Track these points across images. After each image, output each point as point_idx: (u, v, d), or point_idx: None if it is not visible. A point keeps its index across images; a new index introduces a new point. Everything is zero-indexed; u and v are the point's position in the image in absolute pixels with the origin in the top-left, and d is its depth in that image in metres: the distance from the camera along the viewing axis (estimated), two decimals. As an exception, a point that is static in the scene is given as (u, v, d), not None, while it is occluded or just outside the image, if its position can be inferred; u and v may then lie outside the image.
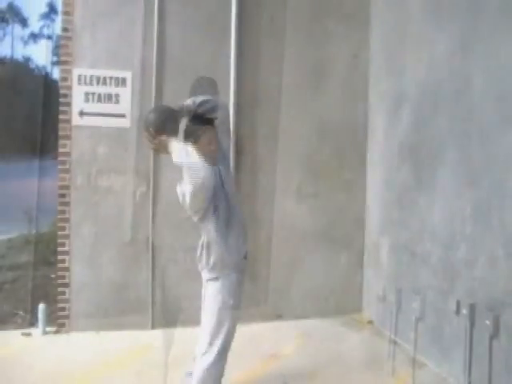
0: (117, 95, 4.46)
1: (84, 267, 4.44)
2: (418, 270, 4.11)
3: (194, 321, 4.31)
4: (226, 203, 2.73)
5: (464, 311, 3.43)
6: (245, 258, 2.85)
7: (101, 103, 4.43)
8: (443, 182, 3.83)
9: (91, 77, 4.41)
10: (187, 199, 2.57)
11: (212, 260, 2.74)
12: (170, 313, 4.55)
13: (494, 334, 3.18)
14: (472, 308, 3.38)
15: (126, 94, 4.49)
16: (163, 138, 2.69)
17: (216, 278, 2.74)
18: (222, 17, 4.70)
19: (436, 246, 3.86)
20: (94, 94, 4.41)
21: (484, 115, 3.42)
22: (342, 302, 5.08)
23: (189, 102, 2.75)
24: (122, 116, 4.48)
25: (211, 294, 2.75)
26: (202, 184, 2.47)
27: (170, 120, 2.72)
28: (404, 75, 4.43)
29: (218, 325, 2.70)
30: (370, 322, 4.83)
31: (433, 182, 3.95)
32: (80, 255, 4.43)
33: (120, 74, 4.47)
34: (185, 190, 2.57)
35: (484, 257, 3.33)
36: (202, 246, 2.78)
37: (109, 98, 4.45)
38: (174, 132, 2.68)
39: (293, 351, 4.13)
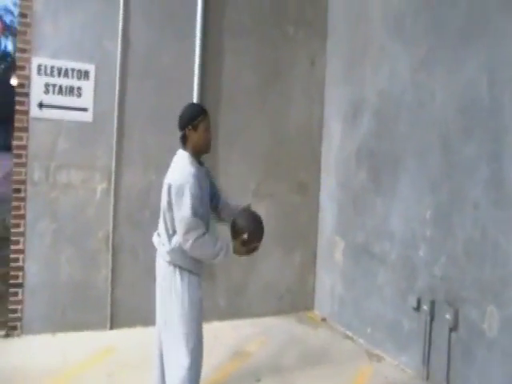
0: (79, 88, 4.29)
1: (40, 266, 4.22)
2: (375, 269, 4.35)
3: (154, 321, 4.35)
4: (206, 209, 2.78)
5: (425, 307, 3.71)
6: None
7: (62, 96, 4.24)
8: (403, 187, 4.10)
9: (52, 67, 4.20)
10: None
11: (185, 260, 2.71)
12: (130, 312, 4.45)
13: (453, 327, 3.48)
14: (432, 304, 3.66)
15: (88, 87, 4.33)
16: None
17: (186, 271, 2.71)
18: (187, 16, 4.69)
19: (395, 246, 4.13)
20: (54, 85, 4.21)
21: (445, 126, 3.71)
22: (296, 301, 5.26)
23: None
24: (84, 110, 4.32)
25: (187, 287, 2.70)
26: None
27: None
28: (364, 84, 4.67)
29: (190, 323, 2.69)
30: (324, 320, 5.03)
31: (392, 187, 4.21)
32: (36, 254, 4.20)
33: (83, 66, 4.31)
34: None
35: (444, 256, 3.62)
36: (176, 247, 2.71)
37: (70, 90, 4.27)
38: None
39: (257, 349, 4.22)
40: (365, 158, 4.62)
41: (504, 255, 3.16)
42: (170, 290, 2.71)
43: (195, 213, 2.58)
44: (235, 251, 2.72)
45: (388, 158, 4.30)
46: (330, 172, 5.21)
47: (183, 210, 2.57)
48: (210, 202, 2.86)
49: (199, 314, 2.75)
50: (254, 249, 2.81)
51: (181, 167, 2.68)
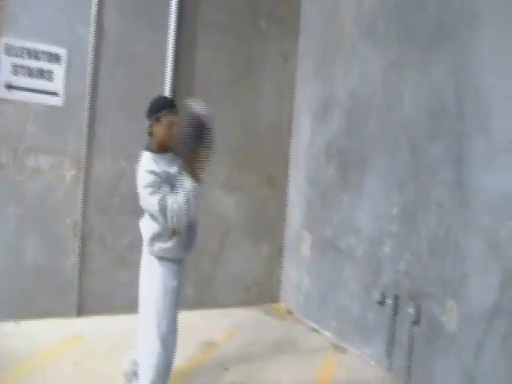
0: (49, 71, 4.21)
1: (3, 251, 4.14)
2: (342, 264, 4.49)
3: (122, 308, 4.38)
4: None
5: (389, 301, 3.86)
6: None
7: (31, 78, 4.15)
8: (371, 185, 4.23)
9: (21, 48, 4.10)
10: (178, 217, 2.56)
11: (167, 249, 2.74)
12: (98, 300, 4.44)
13: (416, 321, 3.64)
14: (396, 298, 3.82)
15: (59, 71, 4.25)
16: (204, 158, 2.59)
17: (169, 259, 2.76)
18: (161, 8, 4.68)
19: (362, 241, 4.26)
20: (23, 67, 4.12)
21: (413, 128, 3.86)
22: (262, 292, 5.36)
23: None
24: (55, 94, 4.25)
25: (162, 276, 2.74)
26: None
27: None
28: (335, 83, 4.77)
29: (163, 310, 2.74)
30: (290, 312, 5.14)
31: (360, 184, 4.34)
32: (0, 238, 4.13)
33: (54, 49, 4.22)
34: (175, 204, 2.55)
35: (408, 253, 3.78)
36: (157, 235, 2.73)
37: (41, 73, 4.18)
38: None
39: (225, 339, 4.29)
40: (334, 154, 4.74)
41: (463, 253, 3.33)
42: (146, 276, 2.79)
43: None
44: (191, 175, 2.56)
45: (356, 155, 4.42)
46: (299, 167, 5.30)
47: (148, 204, 2.62)
48: None
49: (172, 302, 2.77)
50: (204, 157, 2.56)
51: (140, 170, 2.69)
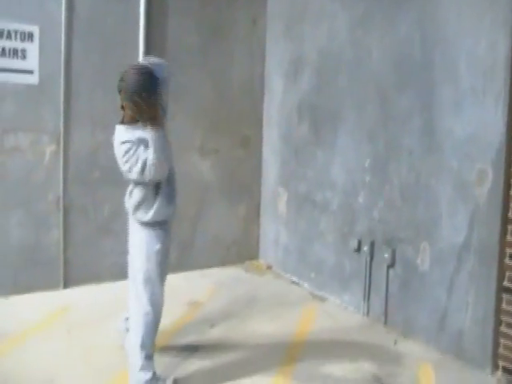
0: (23, 50, 4.15)
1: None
2: (318, 217, 4.62)
3: (107, 277, 4.44)
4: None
5: (365, 248, 4.02)
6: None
7: (5, 58, 4.09)
8: (343, 138, 4.33)
9: (-7, 29, 4.03)
10: (156, 168, 2.66)
11: (152, 212, 2.84)
12: (83, 271, 4.49)
13: (391, 265, 3.82)
14: (372, 245, 3.98)
15: (33, 49, 4.19)
16: (152, 109, 2.63)
17: (152, 225, 2.87)
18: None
19: (336, 194, 4.39)
20: (-4, 47, 4.06)
21: (381, 79, 3.95)
22: (242, 251, 5.47)
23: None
24: (30, 73, 4.19)
25: (146, 241, 2.87)
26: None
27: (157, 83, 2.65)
28: (303, 42, 4.80)
29: (148, 270, 2.88)
30: (269, 267, 5.29)
31: (332, 138, 4.43)
32: (-18, 218, 4.12)
33: (27, 28, 4.14)
34: (154, 158, 2.64)
35: (382, 201, 3.92)
36: (141, 200, 2.85)
37: (14, 52, 4.11)
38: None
39: (209, 297, 4.41)
40: (306, 112, 4.80)
41: (435, 196, 3.49)
42: (132, 243, 2.94)
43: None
44: (150, 123, 2.64)
45: (328, 111, 4.50)
46: (272, 126, 5.35)
47: (129, 171, 2.73)
48: None
49: (157, 264, 2.88)
50: (158, 104, 2.66)
51: (116, 143, 2.80)
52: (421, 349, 3.55)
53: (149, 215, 2.83)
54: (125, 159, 2.70)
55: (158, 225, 2.88)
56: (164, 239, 2.91)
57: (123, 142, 2.73)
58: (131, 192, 2.89)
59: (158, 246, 2.86)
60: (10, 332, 3.58)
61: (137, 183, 2.81)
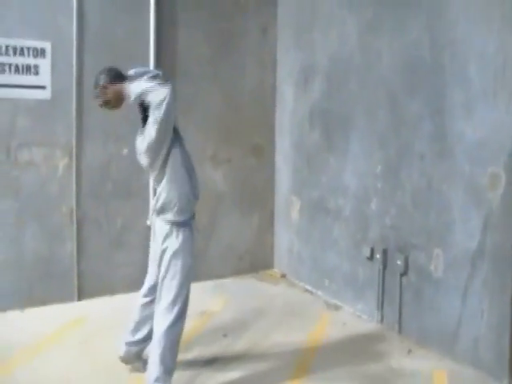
0: (36, 66, 4.24)
1: (4, 244, 4.22)
2: (331, 224, 4.57)
3: (121, 289, 4.47)
4: (181, 142, 2.95)
5: (377, 256, 3.96)
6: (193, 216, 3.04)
7: (19, 75, 4.19)
8: (354, 144, 4.29)
9: (7, 47, 4.13)
10: (156, 128, 2.71)
11: (179, 202, 2.87)
12: (97, 283, 4.54)
13: (404, 272, 3.75)
14: (384, 252, 3.92)
15: (45, 65, 4.28)
16: (117, 86, 2.86)
17: (180, 224, 2.87)
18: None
19: (349, 201, 4.34)
20: (10, 64, 4.14)
21: (392, 84, 3.91)
22: (256, 260, 5.45)
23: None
24: (43, 88, 4.29)
25: (174, 251, 2.87)
26: (171, 96, 2.70)
27: (121, 74, 2.97)
28: (314, 50, 4.80)
29: (183, 283, 2.90)
30: (283, 276, 5.25)
31: (344, 144, 4.40)
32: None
33: (39, 44, 4.24)
34: (152, 120, 2.72)
35: (394, 208, 3.87)
36: (163, 192, 2.88)
37: (27, 69, 4.21)
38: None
39: (222, 307, 4.39)
40: (317, 119, 4.78)
41: (447, 201, 3.43)
42: (165, 246, 2.89)
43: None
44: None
45: (339, 118, 4.47)
46: (284, 134, 5.35)
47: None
48: None
49: (191, 276, 3.00)
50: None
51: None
52: (435, 357, 3.47)
53: (180, 211, 2.86)
54: (151, 123, 2.74)
55: (188, 223, 2.92)
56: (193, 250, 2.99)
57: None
58: (159, 194, 2.88)
59: (191, 260, 2.94)
60: (25, 344, 3.62)
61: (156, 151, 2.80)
